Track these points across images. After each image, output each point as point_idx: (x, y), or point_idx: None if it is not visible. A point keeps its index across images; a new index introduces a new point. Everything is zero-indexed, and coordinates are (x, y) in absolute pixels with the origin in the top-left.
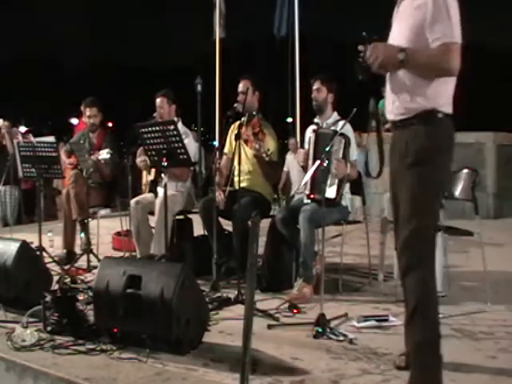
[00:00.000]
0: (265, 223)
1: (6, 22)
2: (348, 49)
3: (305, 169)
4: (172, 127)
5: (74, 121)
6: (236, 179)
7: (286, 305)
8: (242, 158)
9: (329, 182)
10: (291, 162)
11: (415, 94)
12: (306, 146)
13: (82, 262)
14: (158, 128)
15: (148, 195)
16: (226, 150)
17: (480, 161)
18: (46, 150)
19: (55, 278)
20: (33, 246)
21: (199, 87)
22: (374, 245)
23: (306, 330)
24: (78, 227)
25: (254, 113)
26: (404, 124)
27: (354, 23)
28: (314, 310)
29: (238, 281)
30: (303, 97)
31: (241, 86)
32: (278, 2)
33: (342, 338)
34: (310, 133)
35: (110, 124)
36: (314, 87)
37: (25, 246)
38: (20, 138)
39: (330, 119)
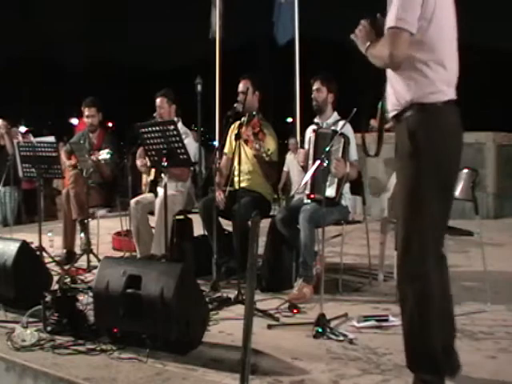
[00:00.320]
0: (265, 223)
1: (5, 21)
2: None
3: (305, 169)
4: (172, 127)
5: (74, 121)
6: (236, 179)
7: (286, 305)
8: (242, 158)
9: (328, 181)
10: (291, 161)
11: (396, 89)
12: (306, 146)
13: (81, 262)
14: (158, 128)
15: (148, 195)
16: (226, 149)
17: (480, 161)
18: (46, 150)
19: (55, 278)
20: (33, 246)
21: (199, 87)
22: (374, 245)
23: (306, 329)
24: (78, 227)
25: (254, 113)
26: (396, 121)
27: (354, 23)
28: (314, 310)
29: (238, 281)
30: (303, 97)
31: (241, 86)
32: (277, 9)
33: (341, 337)
34: (309, 133)
35: (110, 124)
36: (314, 87)
37: (25, 245)
38: (20, 137)
39: (330, 119)
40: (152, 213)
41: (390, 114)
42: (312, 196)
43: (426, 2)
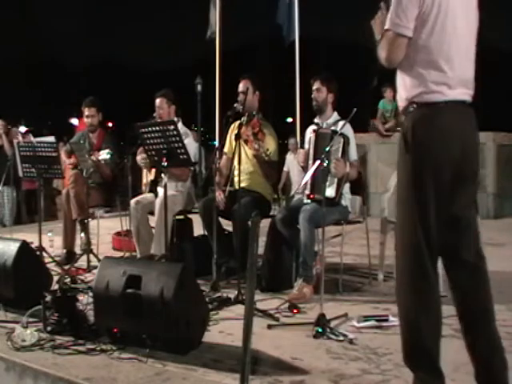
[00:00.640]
0: (265, 223)
1: (5, 21)
2: (348, 49)
3: (305, 169)
4: (172, 127)
5: (74, 121)
6: (236, 179)
7: (286, 305)
8: (241, 158)
9: (328, 181)
10: (291, 161)
11: (398, 85)
12: (306, 146)
13: (82, 262)
14: (157, 128)
15: (148, 195)
16: (225, 149)
17: (480, 161)
18: (46, 150)
19: (55, 278)
20: (33, 246)
21: (199, 87)
22: (374, 245)
23: (306, 329)
24: (78, 227)
25: (254, 113)
26: (403, 115)
27: (354, 24)
28: (314, 310)
29: (238, 281)
30: (303, 97)
31: (241, 86)
32: (285, 8)
33: (341, 337)
34: (309, 133)
35: (110, 124)
36: (314, 87)
37: (25, 245)
38: (20, 137)
39: (330, 119)
40: (152, 213)
41: (400, 109)
42: (312, 196)
43: (423, 3)
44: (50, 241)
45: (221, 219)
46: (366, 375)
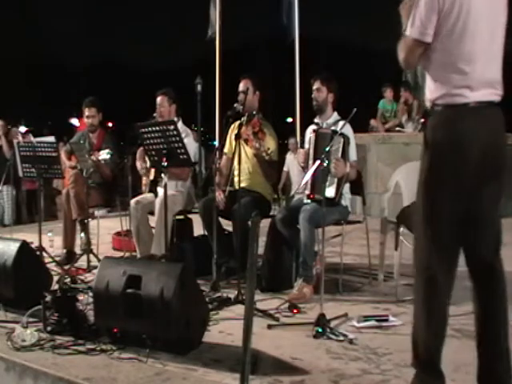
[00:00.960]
0: (265, 223)
1: (5, 21)
2: (347, 49)
3: (305, 169)
4: (172, 127)
5: (74, 121)
6: (236, 179)
7: (286, 305)
8: (242, 158)
9: (328, 181)
10: (291, 161)
11: (426, 86)
12: (306, 146)
13: (82, 262)
14: (157, 128)
15: (148, 195)
16: (225, 149)
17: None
18: (46, 150)
19: (55, 278)
20: (33, 246)
21: (199, 87)
22: (374, 245)
23: (306, 329)
24: (78, 227)
25: (254, 112)
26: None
27: (354, 24)
28: (314, 310)
29: (238, 281)
30: (303, 97)
31: (241, 86)
32: (287, 7)
33: (342, 337)
34: (310, 133)
35: (110, 124)
36: (314, 87)
37: (25, 245)
38: (20, 137)
39: (330, 119)
40: (152, 213)
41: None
42: (312, 196)
43: (443, 6)
44: (50, 241)
45: (221, 219)
46: (365, 375)
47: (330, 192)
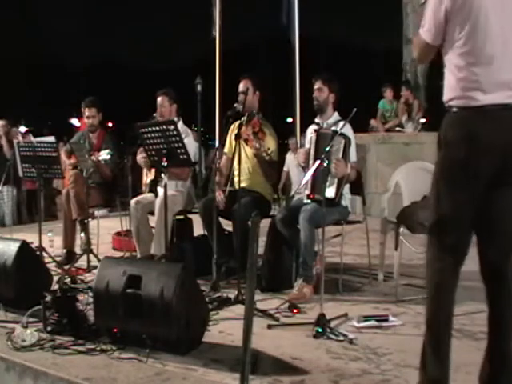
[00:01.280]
0: (265, 223)
1: (5, 21)
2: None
3: (305, 169)
4: (172, 127)
5: (74, 121)
6: (236, 179)
7: (286, 305)
8: (242, 158)
9: (328, 181)
10: (291, 161)
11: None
12: (307, 146)
13: (82, 262)
14: (157, 128)
15: (148, 195)
16: (225, 149)
17: None
18: (46, 150)
19: (55, 278)
20: (33, 246)
21: (199, 87)
22: (374, 245)
23: (306, 329)
24: (78, 227)
25: (254, 112)
26: None
27: (354, 24)
28: (314, 310)
29: (238, 281)
30: (303, 97)
31: (241, 86)
32: (285, 6)
33: (341, 337)
34: (310, 133)
35: (110, 124)
36: (316, 87)
37: (25, 245)
38: (20, 137)
39: (331, 119)
40: (152, 213)
41: None
42: (312, 196)
43: (451, 7)
44: (50, 241)
45: (221, 219)
46: (365, 375)
47: (330, 192)
